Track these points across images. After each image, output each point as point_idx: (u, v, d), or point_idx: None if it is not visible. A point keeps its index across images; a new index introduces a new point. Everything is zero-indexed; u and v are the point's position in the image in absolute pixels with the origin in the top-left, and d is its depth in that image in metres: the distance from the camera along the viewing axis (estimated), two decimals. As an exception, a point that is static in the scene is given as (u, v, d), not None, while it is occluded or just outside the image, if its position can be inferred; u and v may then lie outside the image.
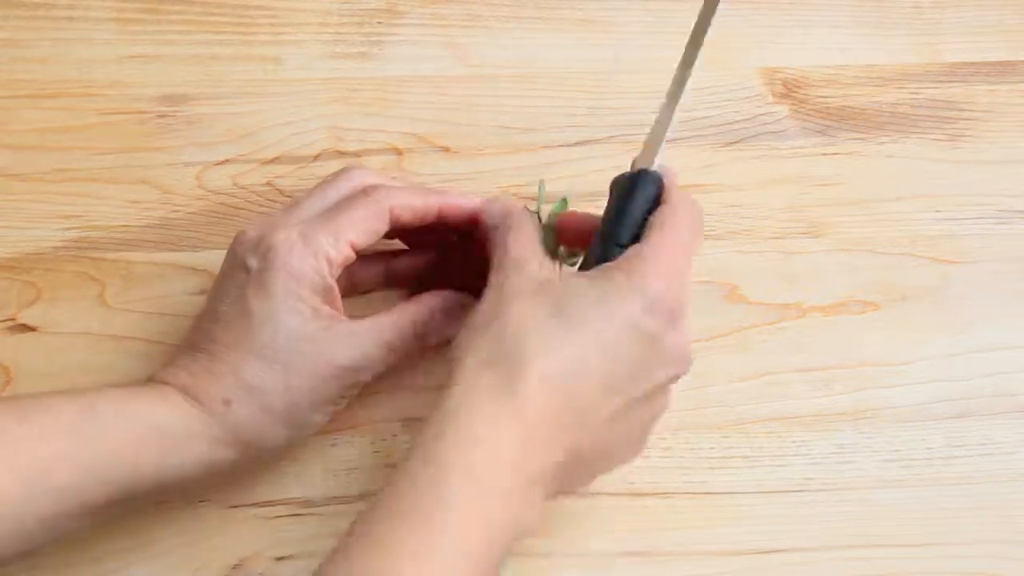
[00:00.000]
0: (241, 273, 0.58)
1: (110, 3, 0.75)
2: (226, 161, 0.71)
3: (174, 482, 0.56)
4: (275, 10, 0.75)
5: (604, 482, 0.65)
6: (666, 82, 0.73)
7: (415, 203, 0.61)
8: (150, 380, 0.59)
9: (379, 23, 0.75)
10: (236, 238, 0.60)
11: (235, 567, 0.63)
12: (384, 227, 0.60)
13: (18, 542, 0.53)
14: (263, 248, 0.58)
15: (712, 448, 0.66)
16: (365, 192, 0.60)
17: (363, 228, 0.59)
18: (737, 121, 0.73)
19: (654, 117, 0.60)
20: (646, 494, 0.65)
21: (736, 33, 0.75)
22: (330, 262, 0.58)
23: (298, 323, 0.57)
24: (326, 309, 0.58)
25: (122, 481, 0.54)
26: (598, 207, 0.70)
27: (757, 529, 0.65)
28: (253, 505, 0.64)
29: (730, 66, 0.75)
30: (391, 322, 0.60)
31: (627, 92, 0.74)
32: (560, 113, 0.73)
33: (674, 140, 0.72)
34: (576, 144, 0.72)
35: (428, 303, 0.62)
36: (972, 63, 0.75)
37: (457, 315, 0.62)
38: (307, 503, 0.65)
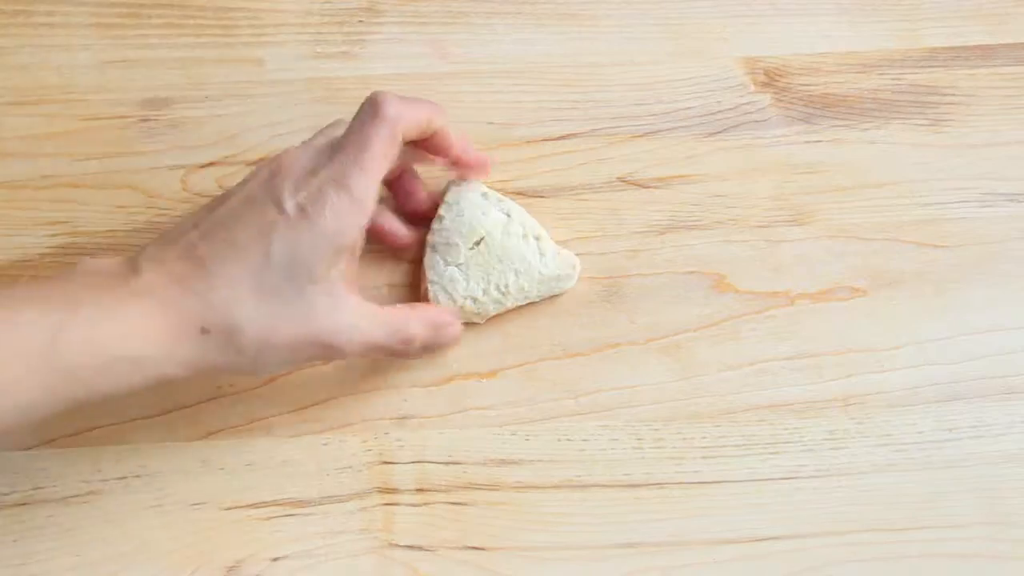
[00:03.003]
0: (272, 209, 0.57)
1: (90, 8, 0.75)
2: (211, 164, 0.71)
3: (125, 395, 0.56)
4: (256, 11, 0.75)
5: (598, 474, 0.65)
6: (645, 74, 0.74)
7: (420, 118, 0.61)
8: (138, 272, 0.57)
9: (360, 22, 0.75)
10: (278, 163, 0.60)
11: (231, 568, 0.63)
12: (398, 151, 0.60)
13: None
14: (304, 195, 0.57)
15: (704, 438, 0.66)
16: (375, 113, 0.59)
17: (387, 161, 0.59)
18: (720, 111, 0.73)
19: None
20: (639, 485, 0.65)
21: (716, 22, 0.76)
22: (367, 213, 0.58)
23: (310, 280, 0.57)
24: (340, 281, 0.58)
25: (78, 399, 0.54)
26: (583, 200, 0.71)
27: (751, 517, 0.65)
28: (248, 506, 0.64)
29: (711, 56, 0.75)
30: (387, 322, 0.60)
31: (610, 85, 0.74)
32: (543, 107, 0.73)
33: (655, 133, 0.72)
34: (560, 138, 0.72)
35: (425, 316, 0.63)
36: (952, 48, 0.75)
37: (445, 334, 0.64)
38: (301, 503, 0.65)
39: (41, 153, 0.71)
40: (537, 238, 0.67)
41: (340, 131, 0.61)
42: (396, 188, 0.68)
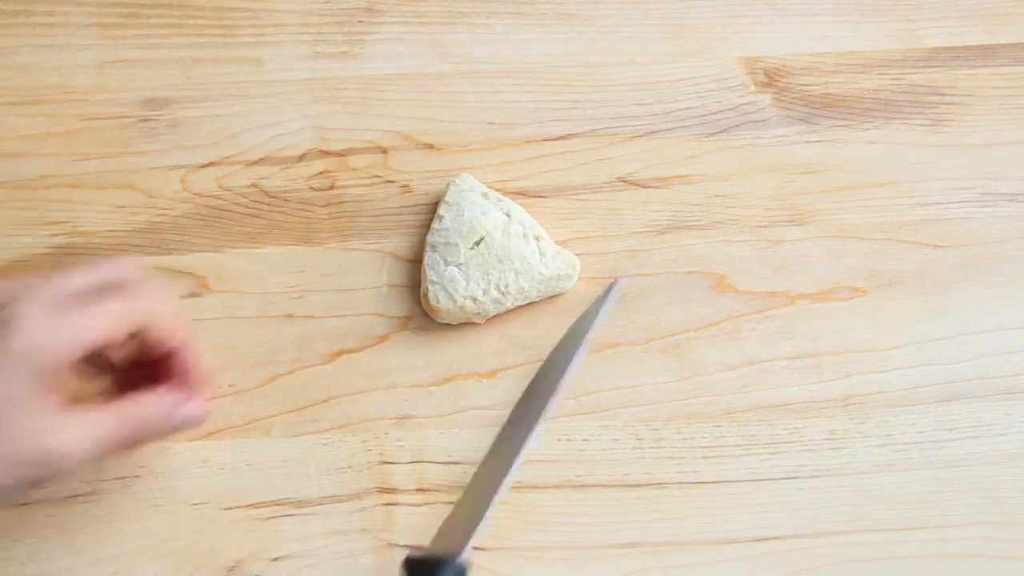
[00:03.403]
0: None
1: (90, 8, 0.75)
2: (211, 164, 0.71)
3: None
4: (256, 11, 0.75)
5: (598, 474, 0.65)
6: (645, 74, 0.74)
7: (164, 335, 0.59)
8: None
9: (360, 22, 0.75)
10: None
11: (231, 568, 0.63)
12: (121, 336, 0.57)
13: None
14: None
15: (704, 438, 0.66)
16: (122, 294, 0.57)
17: (102, 332, 0.56)
18: (720, 111, 0.73)
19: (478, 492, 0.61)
20: (639, 485, 0.65)
21: (716, 22, 0.76)
22: (56, 354, 0.55)
23: (5, 403, 0.54)
24: (41, 396, 0.55)
25: None
26: (583, 200, 0.71)
27: (751, 517, 0.65)
28: (248, 507, 0.64)
29: (711, 56, 0.75)
30: (102, 420, 0.57)
31: (609, 85, 0.74)
32: (543, 107, 0.73)
33: (655, 133, 0.73)
34: (560, 138, 0.72)
35: (145, 405, 0.59)
36: (952, 47, 0.75)
37: (174, 416, 0.60)
38: (301, 503, 0.65)
39: (41, 153, 0.71)
40: (537, 238, 0.67)
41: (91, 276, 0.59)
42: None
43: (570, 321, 0.68)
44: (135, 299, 0.58)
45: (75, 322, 0.56)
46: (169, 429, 0.60)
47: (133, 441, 0.58)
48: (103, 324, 0.56)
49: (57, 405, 0.56)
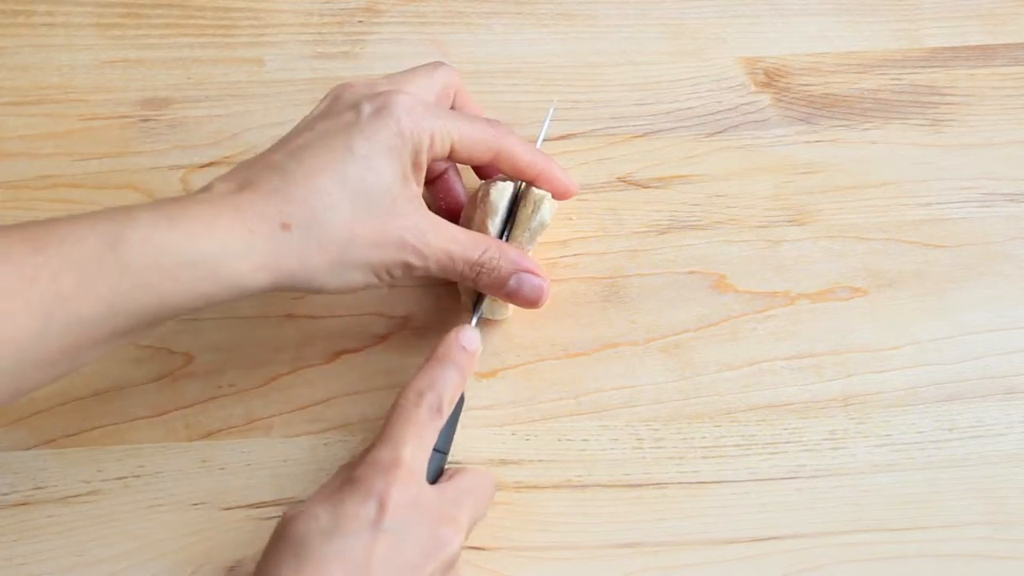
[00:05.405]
0: (349, 113, 0.57)
1: (90, 8, 0.75)
2: (211, 164, 0.71)
3: (201, 306, 0.54)
4: (256, 11, 0.75)
5: (598, 474, 0.65)
6: (645, 74, 0.74)
7: (522, 165, 0.61)
8: (207, 188, 0.56)
9: (360, 22, 0.75)
10: (343, 86, 0.60)
11: (231, 568, 0.63)
12: (485, 161, 0.61)
13: (42, 373, 0.51)
14: (381, 100, 0.57)
15: (704, 437, 0.66)
16: (493, 124, 0.60)
17: (469, 144, 0.59)
18: (720, 111, 0.73)
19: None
20: (640, 485, 0.65)
21: (716, 22, 0.76)
22: (432, 143, 0.58)
23: (392, 176, 0.57)
24: (414, 184, 0.58)
25: (147, 312, 0.52)
26: (583, 200, 0.71)
27: (751, 517, 0.65)
28: (248, 507, 0.64)
29: (711, 56, 0.75)
30: (464, 242, 0.60)
31: (609, 85, 0.74)
32: (543, 107, 0.73)
33: (655, 133, 0.72)
34: (560, 138, 0.72)
35: (513, 254, 0.62)
36: (952, 48, 0.75)
37: (527, 281, 0.62)
38: (301, 503, 0.64)
39: (41, 153, 0.71)
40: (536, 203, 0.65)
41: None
42: (437, 187, 0.68)
43: (570, 321, 0.68)
44: (497, 137, 0.60)
45: (448, 119, 0.59)
46: (507, 287, 0.62)
47: (471, 275, 0.61)
48: (471, 131, 0.59)
49: (421, 202, 0.59)
